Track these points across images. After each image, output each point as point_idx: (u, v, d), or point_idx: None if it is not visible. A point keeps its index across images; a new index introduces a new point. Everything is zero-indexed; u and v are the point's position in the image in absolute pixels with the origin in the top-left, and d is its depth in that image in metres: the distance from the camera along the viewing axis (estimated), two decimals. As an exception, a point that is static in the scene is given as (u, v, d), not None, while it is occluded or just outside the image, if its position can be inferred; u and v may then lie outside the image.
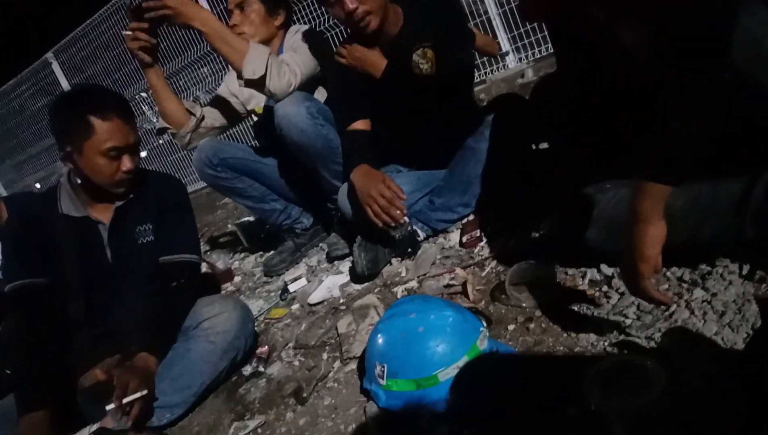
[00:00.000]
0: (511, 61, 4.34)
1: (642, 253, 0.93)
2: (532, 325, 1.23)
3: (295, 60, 1.92)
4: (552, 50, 4.08)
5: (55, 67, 7.07)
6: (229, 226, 3.87)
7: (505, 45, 4.28)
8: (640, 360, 0.95)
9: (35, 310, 1.57)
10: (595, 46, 1.22)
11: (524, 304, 1.30)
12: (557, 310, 1.24)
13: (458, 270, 1.52)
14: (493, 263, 1.54)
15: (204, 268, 2.51)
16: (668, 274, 1.17)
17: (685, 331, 1.02)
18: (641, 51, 1.09)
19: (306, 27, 2.16)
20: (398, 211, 1.61)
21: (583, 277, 1.30)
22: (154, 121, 6.87)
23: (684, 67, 0.93)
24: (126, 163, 1.59)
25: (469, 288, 1.42)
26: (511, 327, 1.26)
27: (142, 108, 6.25)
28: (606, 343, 1.09)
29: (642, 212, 0.93)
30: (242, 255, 2.84)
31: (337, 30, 4.49)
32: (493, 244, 1.64)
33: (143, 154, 7.24)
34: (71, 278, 1.65)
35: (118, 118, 1.54)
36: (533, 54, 4.24)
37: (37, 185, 8.05)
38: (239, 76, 1.82)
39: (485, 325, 1.17)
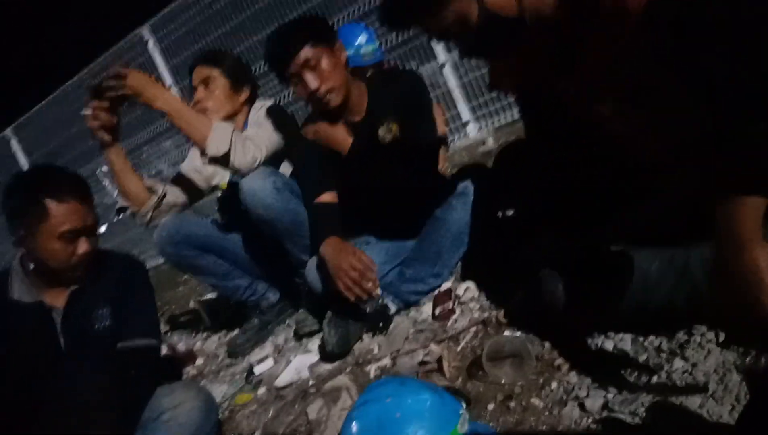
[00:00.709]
0: (472, 129, 4.47)
1: (764, 282, 0.75)
2: (512, 404, 1.18)
3: (259, 135, 1.92)
4: (512, 119, 4.25)
5: (14, 143, 6.93)
6: (191, 303, 3.72)
7: (466, 114, 4.42)
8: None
9: None
10: (568, 114, 1.25)
11: (503, 381, 1.25)
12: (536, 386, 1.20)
13: (432, 346, 1.47)
14: (468, 337, 1.50)
15: (164, 350, 2.37)
16: (646, 343, 1.16)
17: (669, 405, 0.99)
18: (617, 123, 1.11)
19: (270, 102, 2.17)
20: (370, 284, 1.57)
21: (561, 349, 1.27)
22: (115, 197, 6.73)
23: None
24: (82, 246, 1.51)
25: (445, 365, 1.37)
26: (490, 406, 1.21)
27: (103, 183, 6.14)
28: (589, 420, 1.05)
29: (748, 235, 0.77)
30: (204, 335, 2.71)
31: (302, 103, 4.57)
32: (467, 316, 1.60)
33: (102, 229, 7.02)
34: (19, 371, 1.54)
35: (74, 200, 1.48)
36: (493, 122, 4.39)
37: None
38: (203, 154, 1.80)
39: (464, 405, 1.11)
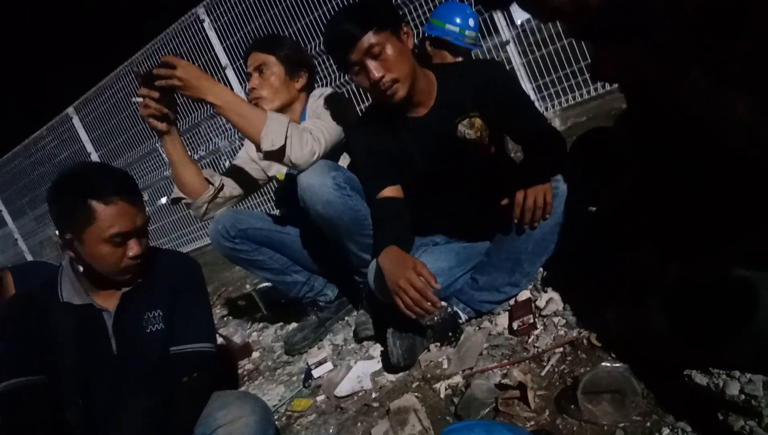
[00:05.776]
0: (537, 110, 4.22)
1: None
2: (616, 452, 1.01)
3: (318, 127, 1.77)
4: (580, 99, 3.97)
5: (76, 121, 7.12)
6: (247, 286, 3.69)
7: (530, 94, 4.15)
8: None
9: (27, 413, 1.40)
10: (690, 115, 1.05)
11: (602, 421, 1.08)
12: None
13: (513, 370, 1.30)
14: (554, 359, 1.33)
15: (219, 341, 2.32)
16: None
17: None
18: (758, 125, 0.90)
19: (330, 90, 2.02)
20: (429, 304, 1.42)
21: (672, 386, 1.09)
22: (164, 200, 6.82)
23: None
24: (133, 249, 1.42)
25: (530, 395, 1.20)
26: (588, 452, 1.04)
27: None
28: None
29: None
30: (261, 325, 2.65)
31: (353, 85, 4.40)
32: (551, 333, 1.43)
33: (163, 200, 7.14)
34: (70, 374, 1.48)
35: (122, 201, 1.38)
36: (559, 103, 4.11)
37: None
38: (258, 149, 1.67)
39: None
